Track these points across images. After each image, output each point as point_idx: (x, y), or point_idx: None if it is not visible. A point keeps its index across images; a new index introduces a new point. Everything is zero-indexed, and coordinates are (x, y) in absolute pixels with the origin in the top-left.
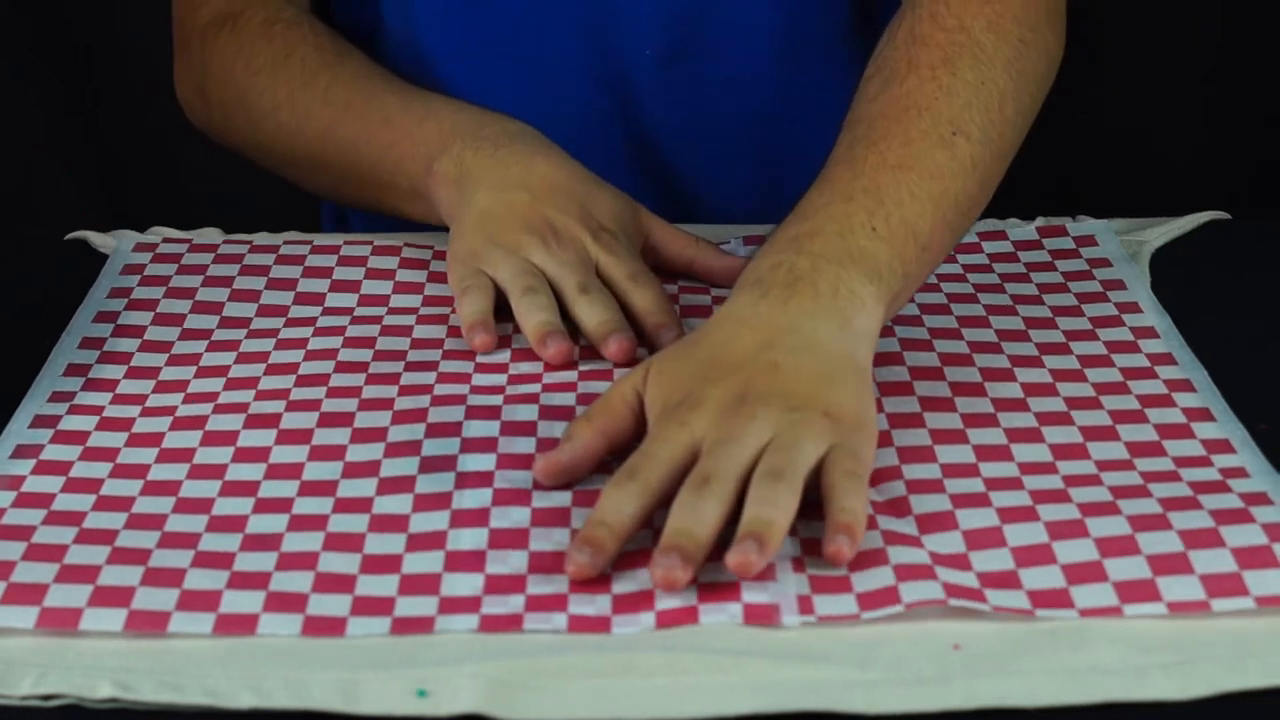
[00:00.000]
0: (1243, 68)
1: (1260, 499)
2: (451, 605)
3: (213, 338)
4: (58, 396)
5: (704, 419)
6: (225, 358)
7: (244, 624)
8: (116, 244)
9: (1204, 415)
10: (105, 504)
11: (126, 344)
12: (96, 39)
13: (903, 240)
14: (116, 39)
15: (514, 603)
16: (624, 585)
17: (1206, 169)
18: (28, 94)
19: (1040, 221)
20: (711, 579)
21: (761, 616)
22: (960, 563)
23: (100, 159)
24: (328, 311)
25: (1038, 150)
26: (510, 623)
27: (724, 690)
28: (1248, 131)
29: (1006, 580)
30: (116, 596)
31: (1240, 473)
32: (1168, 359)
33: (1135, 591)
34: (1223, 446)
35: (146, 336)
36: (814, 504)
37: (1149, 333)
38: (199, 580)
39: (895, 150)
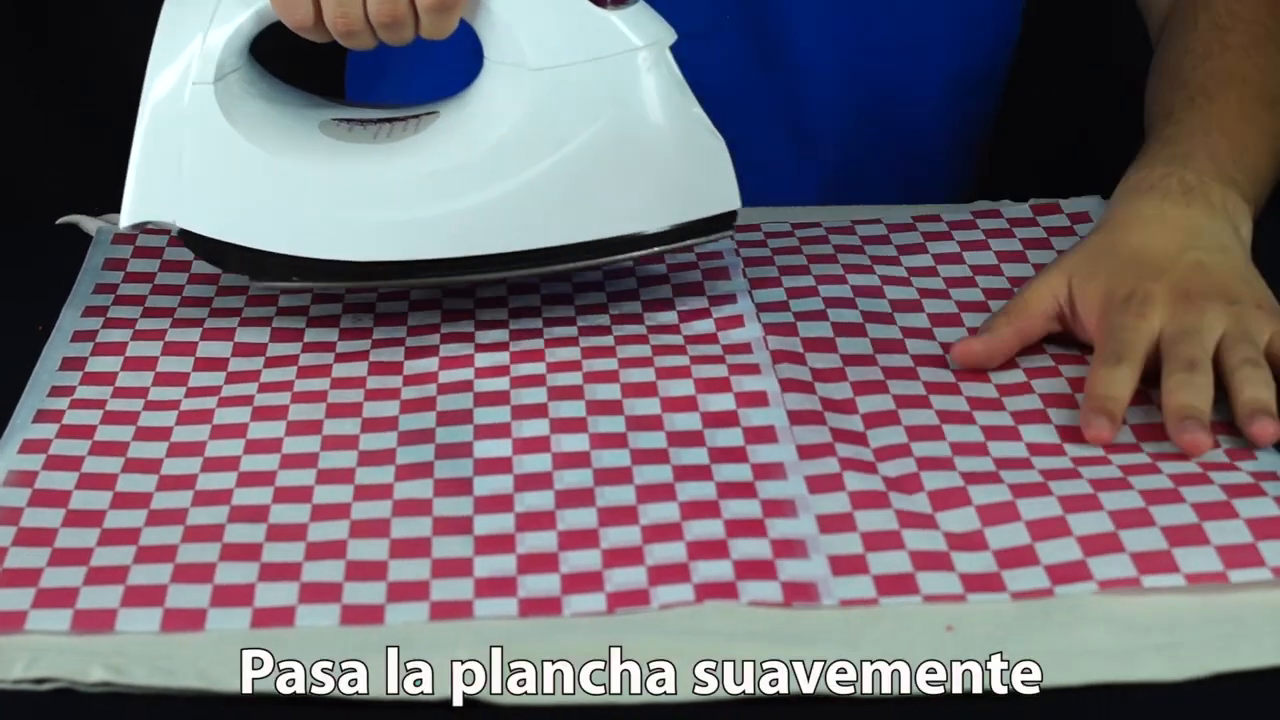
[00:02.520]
0: None
1: (1270, 475)
2: (487, 588)
3: (205, 326)
4: (58, 391)
5: (1161, 312)
6: (222, 349)
7: (281, 617)
8: (95, 236)
9: None
10: (123, 501)
11: (119, 334)
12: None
13: (1252, 178)
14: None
15: (550, 583)
16: (660, 556)
17: None
18: (14, 75)
19: (1034, 200)
20: (747, 556)
21: (802, 595)
22: (975, 542)
23: (91, 140)
24: (318, 300)
25: (1046, 130)
26: (549, 605)
27: (716, 673)
28: None
29: (1023, 556)
30: (149, 596)
31: (1247, 453)
32: None
33: (1153, 563)
34: (1228, 426)
35: (138, 328)
36: (828, 476)
37: None
38: (230, 574)
39: (1232, 109)
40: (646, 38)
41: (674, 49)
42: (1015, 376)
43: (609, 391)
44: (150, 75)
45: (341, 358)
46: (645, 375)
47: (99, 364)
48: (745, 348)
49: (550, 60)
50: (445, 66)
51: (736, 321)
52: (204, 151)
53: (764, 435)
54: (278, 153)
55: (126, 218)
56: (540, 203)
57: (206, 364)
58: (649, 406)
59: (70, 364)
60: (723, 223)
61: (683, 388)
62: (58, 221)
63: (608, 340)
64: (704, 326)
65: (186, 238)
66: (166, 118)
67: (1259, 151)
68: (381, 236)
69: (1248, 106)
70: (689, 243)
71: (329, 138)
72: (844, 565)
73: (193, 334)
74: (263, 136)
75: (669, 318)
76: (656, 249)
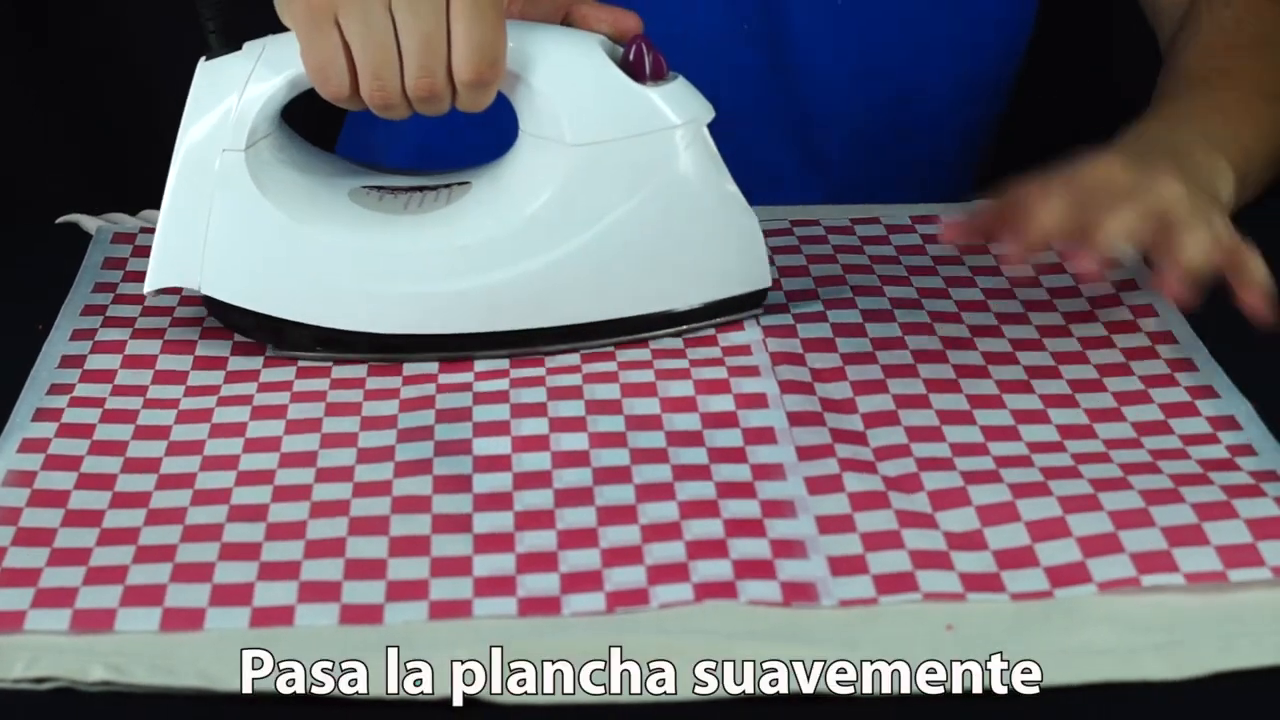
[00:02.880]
0: None
1: (1269, 475)
2: (486, 587)
3: (204, 325)
4: (57, 389)
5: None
6: (222, 347)
7: (280, 616)
8: (95, 235)
9: (1208, 393)
10: (122, 500)
11: (118, 333)
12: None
13: (1244, 157)
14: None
15: (550, 582)
16: (660, 555)
17: None
18: (14, 74)
19: None
20: (746, 556)
21: (801, 595)
22: (975, 542)
23: (92, 140)
24: None
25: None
26: (548, 605)
27: (715, 672)
28: None
29: (1023, 558)
30: (148, 595)
31: (1247, 450)
32: (1168, 337)
33: (1152, 563)
34: (1229, 424)
35: (138, 326)
36: (828, 477)
37: (1147, 311)
38: (229, 573)
39: (1231, 99)
40: (684, 115)
41: (688, 59)
42: (1016, 374)
43: (608, 391)
44: (181, 139)
45: (341, 357)
46: (645, 376)
47: (98, 362)
48: (744, 349)
49: (588, 136)
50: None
51: (735, 324)
52: (232, 218)
53: (763, 436)
54: (306, 221)
55: (151, 282)
56: (572, 279)
57: (206, 362)
58: (648, 406)
59: (69, 362)
60: (753, 301)
61: (682, 389)
62: (57, 221)
63: (607, 344)
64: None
65: (210, 304)
66: (196, 183)
67: (1255, 137)
68: (409, 309)
69: (1248, 99)
70: (718, 321)
71: (358, 206)
72: (843, 566)
73: (192, 333)
74: (292, 204)
75: None
76: (684, 327)
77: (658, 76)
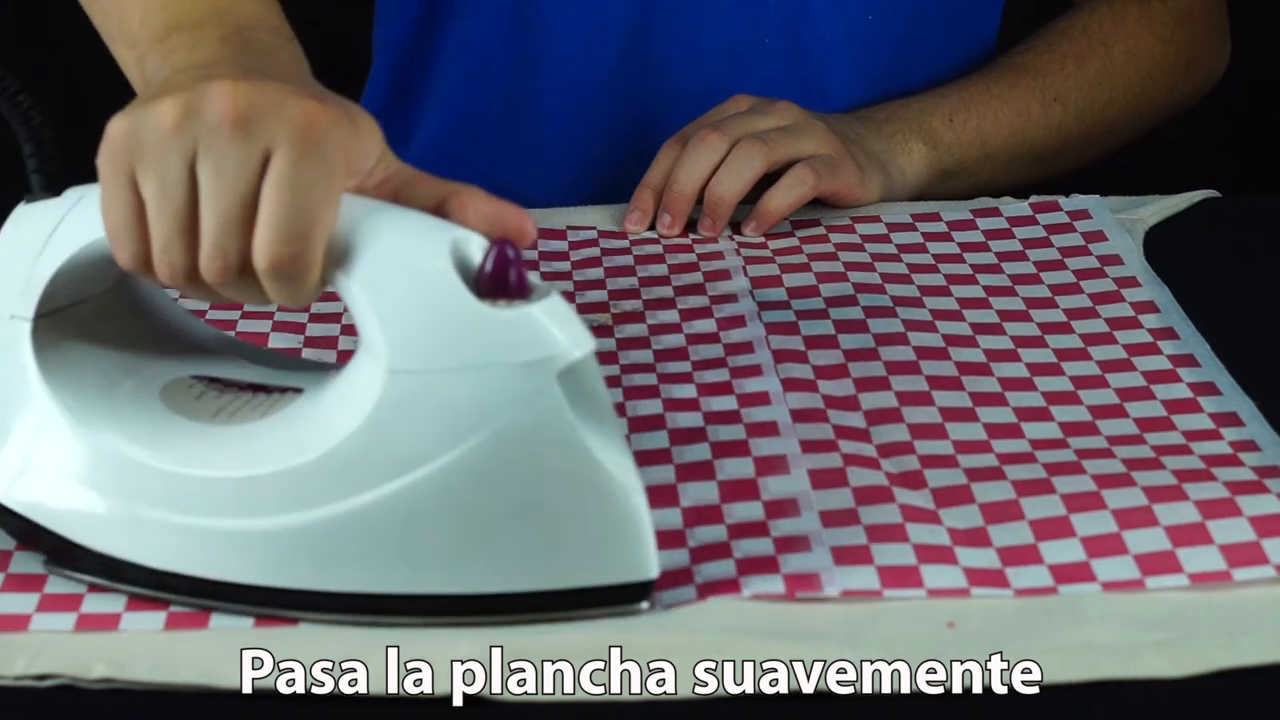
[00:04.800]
0: (1235, 47)
1: (1273, 471)
2: None
3: (206, 318)
4: None
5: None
6: (226, 324)
7: (284, 618)
8: None
9: (1210, 389)
10: None
11: None
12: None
13: (969, 139)
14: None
15: None
16: (664, 563)
17: (1199, 147)
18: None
19: (1034, 198)
20: (749, 554)
21: (805, 585)
22: (979, 538)
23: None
24: (320, 297)
25: None
26: None
27: (718, 670)
28: (1240, 109)
29: (1027, 555)
30: (153, 601)
31: (1250, 445)
32: (1169, 334)
33: (1157, 564)
34: (1231, 420)
35: None
36: (831, 471)
37: (1149, 307)
38: None
39: (999, 88)
40: (535, 350)
41: (711, 73)
42: (1018, 371)
43: (611, 395)
44: None
45: (344, 357)
46: (647, 379)
47: None
48: (747, 347)
49: (406, 361)
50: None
51: (738, 321)
52: (5, 393)
53: (767, 431)
54: (79, 417)
55: None
56: (370, 538)
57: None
58: (651, 407)
59: None
60: (625, 595)
61: (685, 390)
62: None
63: (609, 343)
64: (705, 326)
65: None
66: None
67: (999, 122)
68: (174, 542)
69: (1018, 91)
70: (579, 614)
71: (162, 406)
72: (847, 556)
73: (199, 309)
74: (73, 393)
75: (670, 317)
76: (524, 616)
77: (519, 294)
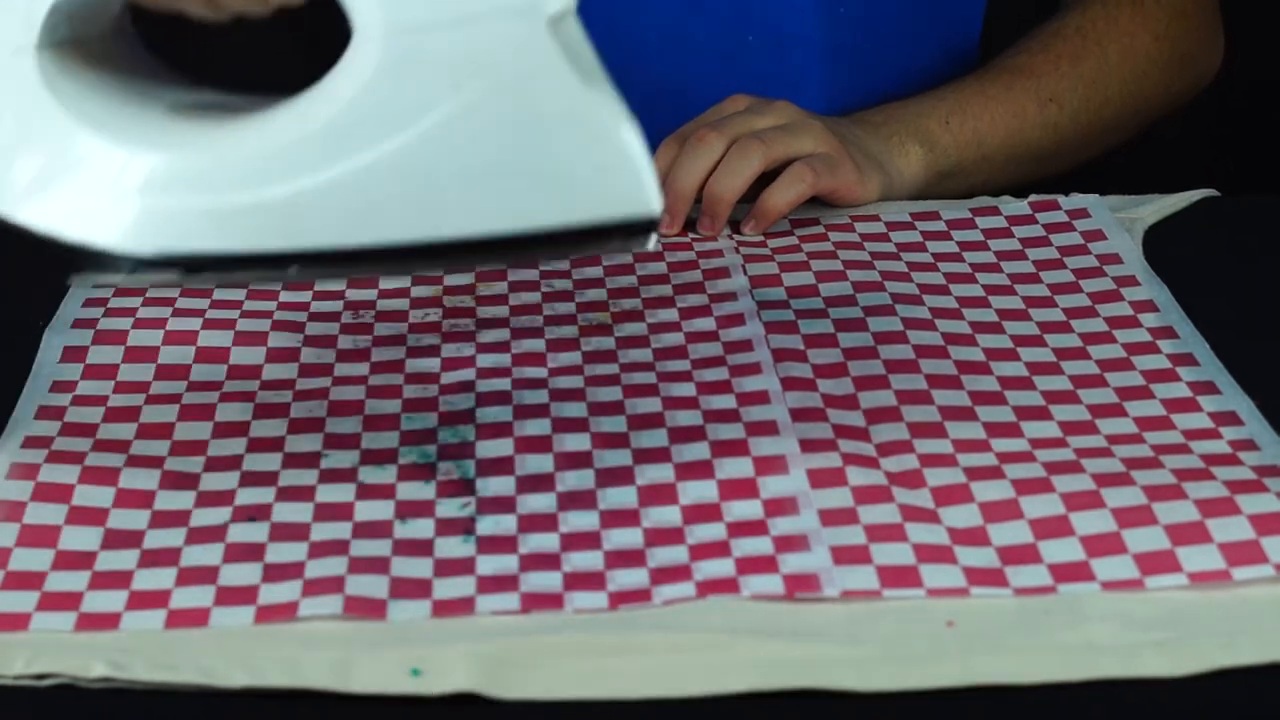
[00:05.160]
0: (1234, 45)
1: (1272, 470)
2: (489, 585)
3: (206, 316)
4: (59, 386)
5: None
6: (223, 338)
7: (285, 611)
8: None
9: (1209, 388)
10: (126, 499)
11: (120, 322)
12: None
13: (966, 140)
14: None
15: (553, 580)
16: (663, 559)
17: (1198, 147)
18: None
19: (1033, 197)
20: (748, 553)
21: (804, 586)
22: (979, 538)
23: None
24: (319, 296)
25: None
26: (551, 600)
27: (718, 669)
28: (1239, 109)
29: (1026, 554)
30: (153, 599)
31: (1250, 444)
32: (1169, 333)
33: (1156, 563)
34: (1230, 419)
35: (139, 316)
36: (830, 470)
37: (1148, 306)
38: (233, 575)
39: (994, 89)
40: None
41: (699, 65)
42: (1017, 370)
43: (610, 394)
44: None
45: (343, 355)
46: (647, 378)
47: (100, 355)
48: (746, 345)
49: (403, 20)
50: None
51: (737, 320)
52: (13, 124)
53: (766, 430)
54: (98, 127)
55: None
56: (386, 191)
57: (208, 355)
58: (650, 405)
59: (71, 355)
60: (629, 231)
61: (684, 389)
62: None
63: (609, 342)
64: (704, 325)
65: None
66: None
67: (995, 124)
68: (204, 226)
69: (1013, 92)
70: (589, 251)
71: (164, 118)
72: (846, 555)
73: (194, 323)
74: (87, 109)
75: (670, 315)
76: (541, 253)
77: None
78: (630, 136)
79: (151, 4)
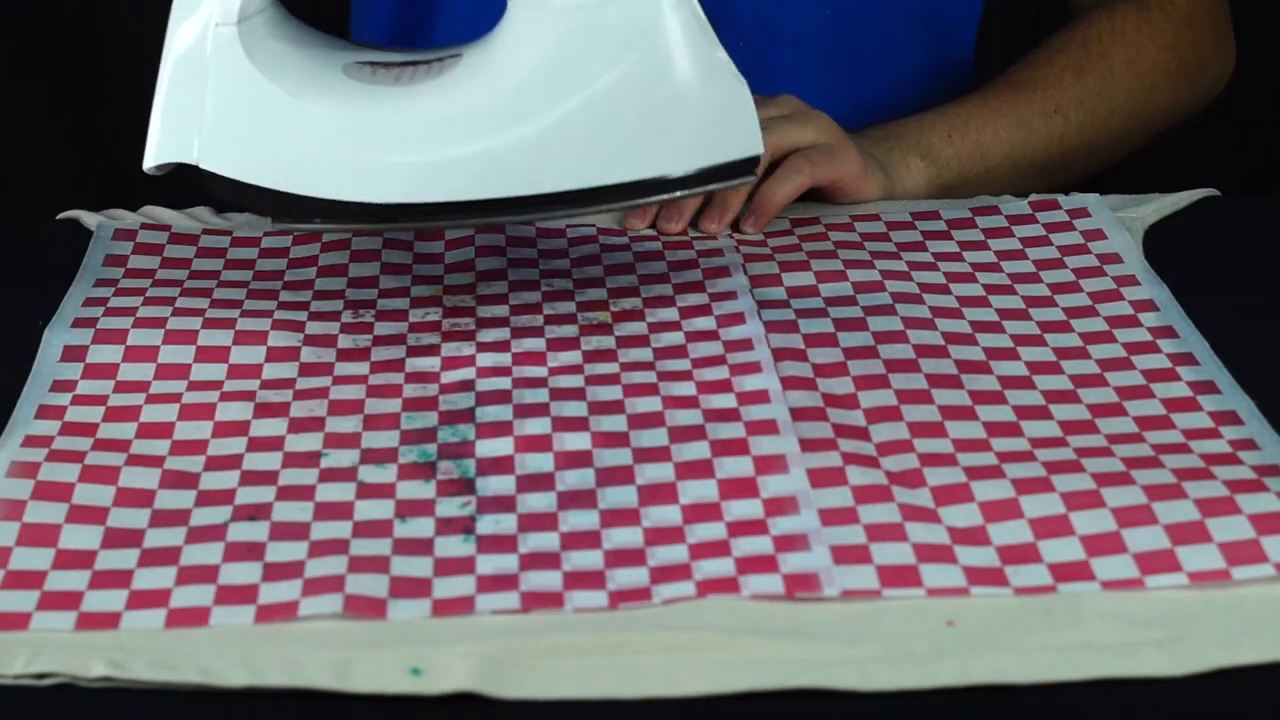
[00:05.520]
0: (1238, 46)
1: (1272, 470)
2: (489, 584)
3: (206, 315)
4: (59, 386)
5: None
6: (223, 336)
7: (285, 610)
8: (95, 231)
9: (1209, 388)
10: (126, 498)
11: (120, 322)
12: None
13: (969, 153)
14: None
15: (553, 579)
16: (663, 558)
17: (1199, 147)
18: (17, 70)
19: (1033, 197)
20: (748, 553)
21: (804, 586)
22: (978, 537)
23: (93, 135)
24: (319, 295)
25: None
26: (551, 599)
27: (717, 668)
28: (1240, 109)
29: (1026, 554)
30: (153, 599)
31: (1250, 444)
32: (1169, 332)
33: (1156, 563)
34: (1230, 418)
35: (139, 315)
36: (830, 470)
37: (1148, 305)
38: (234, 574)
39: (998, 102)
40: None
41: None
42: (1018, 369)
43: (610, 393)
44: (174, 17)
45: (344, 354)
46: (647, 377)
47: (100, 354)
48: (746, 344)
49: (572, 1)
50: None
51: (737, 319)
52: (227, 93)
53: (765, 429)
54: (300, 94)
55: (151, 158)
56: (563, 145)
57: (208, 354)
58: (650, 404)
59: (71, 354)
60: (745, 168)
61: (684, 388)
62: (58, 217)
63: (609, 341)
64: (705, 324)
65: (210, 180)
66: (190, 59)
67: (999, 136)
68: (403, 179)
69: (1018, 105)
70: (711, 188)
71: (352, 80)
72: (846, 555)
73: (194, 322)
74: (286, 78)
75: (670, 314)
76: (679, 193)
77: None
78: (745, 90)
79: None
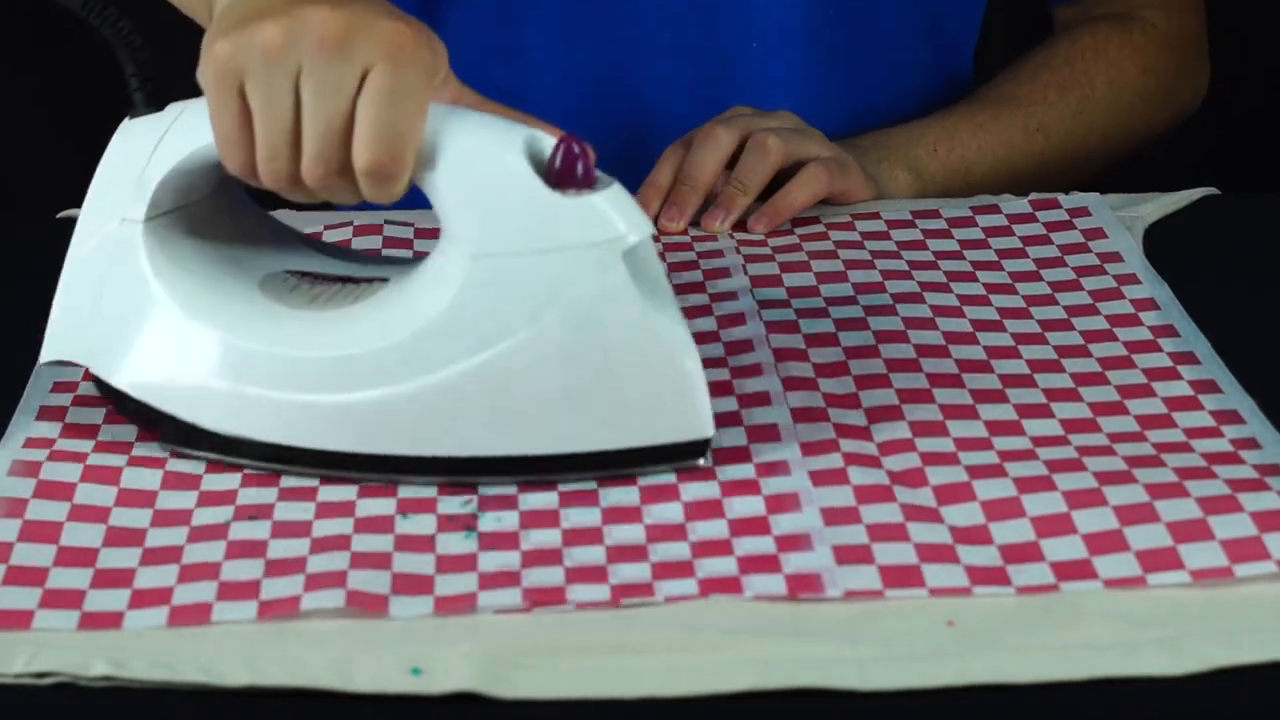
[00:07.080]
0: (1238, 45)
1: (1274, 469)
2: (491, 581)
3: None
4: (60, 387)
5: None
6: None
7: (286, 605)
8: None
9: (1211, 387)
10: (127, 498)
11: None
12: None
13: (953, 168)
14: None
15: (555, 575)
16: (664, 554)
17: (1199, 145)
18: (18, 70)
19: (1034, 195)
20: (750, 552)
21: (806, 586)
22: (981, 536)
23: (94, 136)
24: None
25: None
26: (554, 595)
27: (717, 668)
28: (1240, 108)
29: (1028, 553)
30: (156, 597)
31: (1251, 443)
32: (1170, 331)
33: (1158, 560)
34: (1232, 417)
35: None
36: (832, 470)
37: (1149, 304)
38: (235, 571)
39: (982, 117)
40: (603, 233)
41: (700, 67)
42: (1019, 368)
43: None
44: (86, 204)
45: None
46: None
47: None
48: (747, 345)
49: (489, 246)
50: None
51: (738, 319)
52: (118, 294)
53: (768, 434)
54: (192, 311)
55: (45, 354)
56: (461, 406)
57: None
58: None
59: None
60: (685, 452)
61: None
62: (58, 216)
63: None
64: (705, 324)
65: (95, 380)
66: (92, 251)
67: (983, 154)
68: (288, 419)
69: (1001, 122)
70: (642, 471)
71: (262, 297)
72: (848, 555)
73: None
74: (184, 290)
75: None
76: (596, 473)
77: (585, 184)
78: (692, 364)
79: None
